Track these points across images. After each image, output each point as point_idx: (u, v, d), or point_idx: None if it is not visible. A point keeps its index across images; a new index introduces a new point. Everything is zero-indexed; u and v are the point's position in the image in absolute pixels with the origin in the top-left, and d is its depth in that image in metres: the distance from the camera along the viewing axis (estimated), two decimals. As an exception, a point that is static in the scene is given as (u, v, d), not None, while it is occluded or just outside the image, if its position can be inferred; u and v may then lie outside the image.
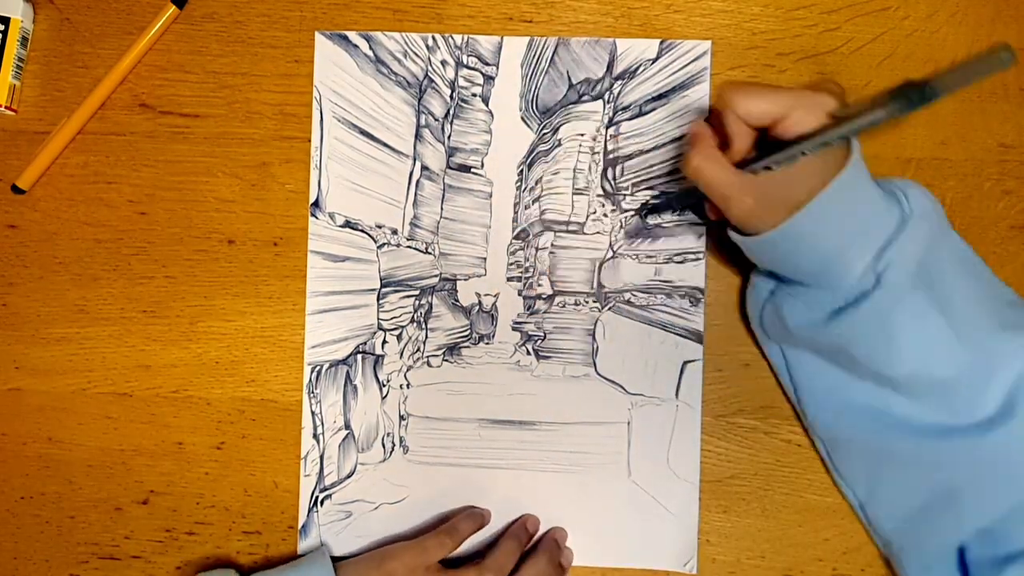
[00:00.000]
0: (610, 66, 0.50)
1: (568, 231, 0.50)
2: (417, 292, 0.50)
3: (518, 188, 0.50)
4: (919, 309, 0.41)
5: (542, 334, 0.50)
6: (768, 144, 0.40)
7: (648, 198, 0.50)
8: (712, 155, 0.41)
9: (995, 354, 0.41)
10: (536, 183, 0.50)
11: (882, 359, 0.42)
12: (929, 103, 0.33)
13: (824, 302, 0.43)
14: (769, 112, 0.39)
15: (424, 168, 0.51)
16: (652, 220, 0.50)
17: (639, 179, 0.50)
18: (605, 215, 0.50)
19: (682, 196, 0.49)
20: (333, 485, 0.50)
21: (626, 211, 0.50)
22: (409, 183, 0.51)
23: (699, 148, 0.42)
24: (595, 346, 0.50)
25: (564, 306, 0.50)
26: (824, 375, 0.46)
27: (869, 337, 0.42)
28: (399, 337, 0.50)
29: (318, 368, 0.50)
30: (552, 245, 0.50)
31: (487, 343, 0.50)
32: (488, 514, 0.50)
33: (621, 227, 0.50)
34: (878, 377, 0.43)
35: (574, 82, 0.50)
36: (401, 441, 0.50)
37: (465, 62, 0.50)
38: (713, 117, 0.43)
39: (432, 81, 0.51)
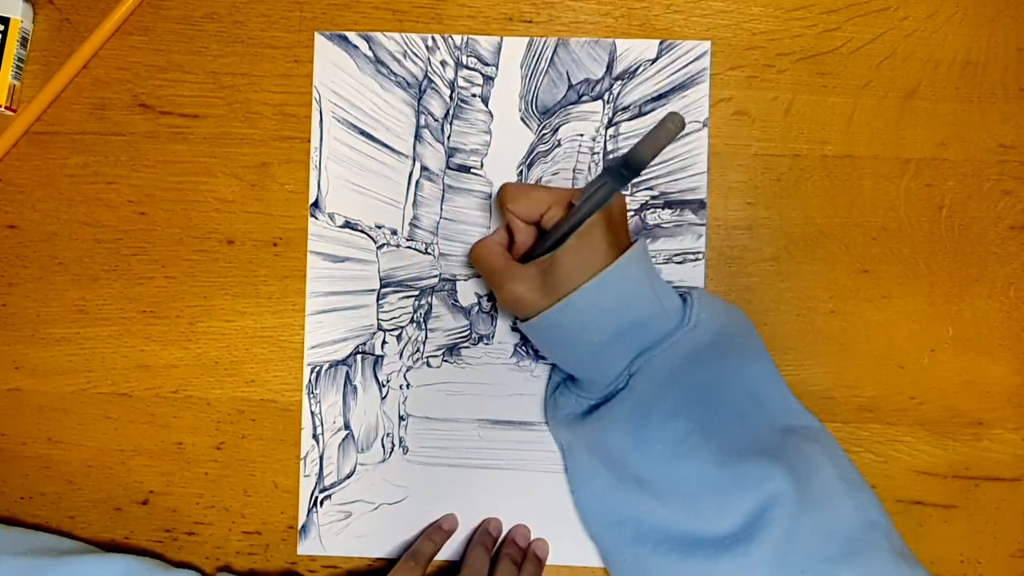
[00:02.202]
0: (610, 66, 0.50)
1: (568, 231, 0.50)
2: (417, 292, 0.50)
3: (518, 188, 0.50)
4: (664, 418, 0.42)
5: (542, 334, 0.50)
6: (541, 235, 0.45)
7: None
8: (488, 244, 0.46)
9: (744, 475, 0.41)
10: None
11: (634, 459, 0.43)
12: (635, 174, 0.40)
13: (587, 395, 0.45)
14: (532, 209, 0.44)
15: (424, 168, 0.51)
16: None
17: (638, 179, 0.50)
18: (605, 215, 0.50)
19: None
20: (333, 485, 0.50)
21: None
22: (409, 183, 0.51)
23: (483, 239, 0.47)
24: (595, 346, 0.50)
25: (564, 306, 0.50)
26: (593, 478, 0.46)
27: (619, 435, 0.43)
28: (399, 337, 0.50)
29: (318, 368, 0.50)
30: (552, 245, 0.50)
31: (487, 344, 0.50)
32: (453, 519, 0.50)
33: (621, 227, 0.50)
34: (636, 479, 0.44)
35: (574, 82, 0.50)
36: (401, 441, 0.50)
37: (465, 62, 0.50)
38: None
39: (432, 81, 0.51)
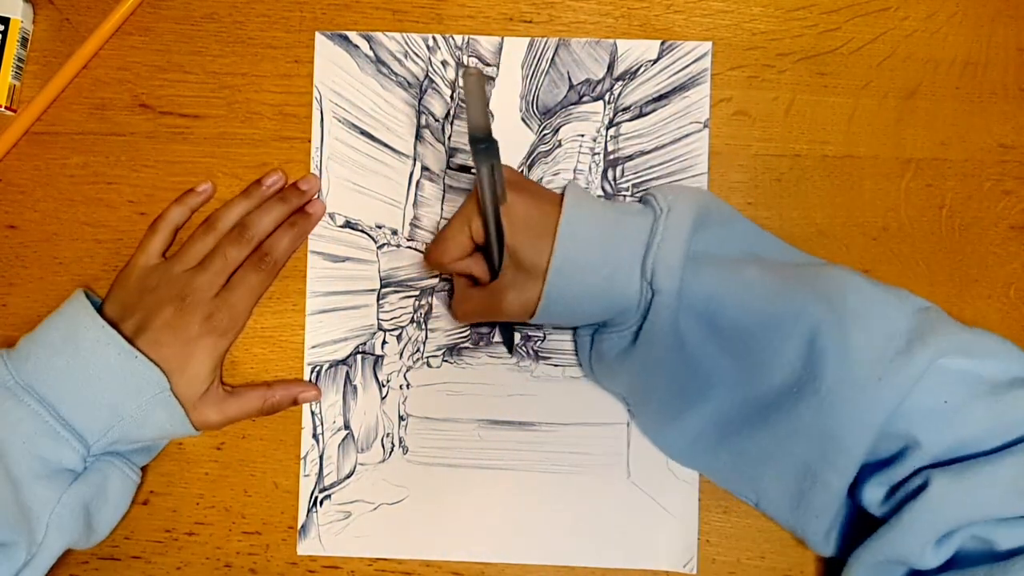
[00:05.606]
0: (610, 67, 0.50)
1: (568, 231, 0.50)
2: (417, 292, 0.50)
3: (518, 188, 0.50)
4: (704, 292, 0.43)
5: (542, 335, 0.50)
6: (486, 251, 0.44)
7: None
8: (460, 297, 0.47)
9: (784, 312, 0.42)
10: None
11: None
12: (487, 141, 0.37)
13: (625, 326, 0.45)
14: (456, 247, 0.44)
15: (424, 169, 0.51)
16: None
17: (639, 180, 0.50)
18: (605, 215, 0.50)
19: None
20: (333, 485, 0.50)
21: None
22: (409, 184, 0.51)
23: (452, 300, 0.48)
24: (595, 346, 0.50)
25: (564, 306, 0.50)
26: (664, 409, 0.47)
27: (672, 343, 0.43)
28: (399, 337, 0.50)
29: (318, 368, 0.50)
30: (552, 245, 0.50)
31: (487, 344, 0.50)
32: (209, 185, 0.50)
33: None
34: (719, 334, 0.44)
35: (574, 83, 0.50)
36: (401, 441, 0.50)
37: (465, 63, 0.50)
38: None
39: (432, 81, 0.51)
